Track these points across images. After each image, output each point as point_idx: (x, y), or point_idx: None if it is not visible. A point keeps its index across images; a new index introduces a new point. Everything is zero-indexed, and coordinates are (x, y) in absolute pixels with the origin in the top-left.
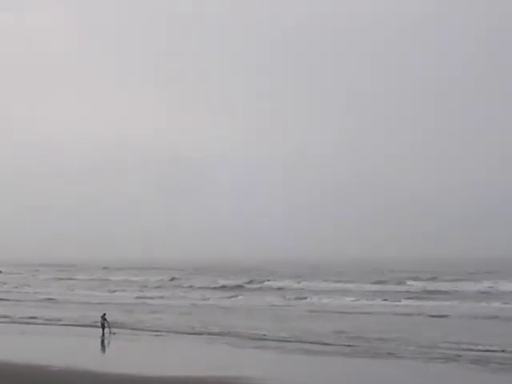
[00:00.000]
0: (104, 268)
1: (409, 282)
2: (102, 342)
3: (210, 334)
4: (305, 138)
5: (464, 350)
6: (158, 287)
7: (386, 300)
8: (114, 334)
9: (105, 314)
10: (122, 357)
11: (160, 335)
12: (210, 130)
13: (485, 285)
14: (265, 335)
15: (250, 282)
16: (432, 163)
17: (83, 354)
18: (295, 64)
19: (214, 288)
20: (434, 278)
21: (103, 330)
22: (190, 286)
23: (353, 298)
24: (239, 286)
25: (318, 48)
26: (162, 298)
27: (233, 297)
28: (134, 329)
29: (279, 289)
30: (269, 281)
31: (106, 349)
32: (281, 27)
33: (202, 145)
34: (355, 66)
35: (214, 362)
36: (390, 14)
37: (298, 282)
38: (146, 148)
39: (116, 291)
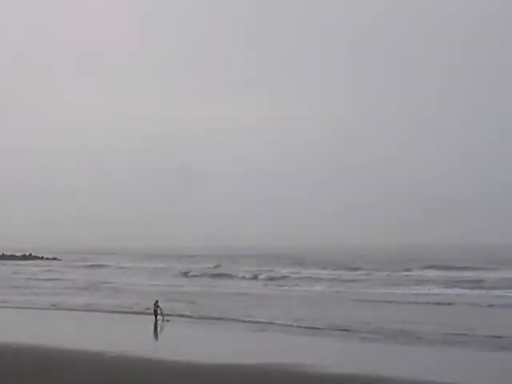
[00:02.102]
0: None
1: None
2: (155, 328)
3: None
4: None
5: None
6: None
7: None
8: (168, 321)
9: (157, 301)
10: (175, 344)
11: (214, 323)
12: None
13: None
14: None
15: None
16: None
17: (136, 340)
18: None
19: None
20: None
21: (156, 318)
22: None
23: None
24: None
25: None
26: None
27: (279, 286)
28: (188, 316)
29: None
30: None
31: (159, 336)
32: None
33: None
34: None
35: (265, 349)
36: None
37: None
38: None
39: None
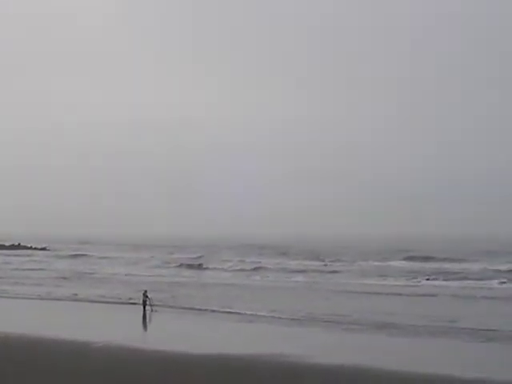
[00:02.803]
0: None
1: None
2: (144, 319)
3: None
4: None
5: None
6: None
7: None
8: (156, 311)
9: (146, 292)
10: (163, 334)
11: (202, 313)
12: None
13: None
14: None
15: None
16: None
17: (124, 331)
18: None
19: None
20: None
21: (144, 308)
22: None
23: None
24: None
25: None
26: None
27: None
28: (175, 307)
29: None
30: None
31: (148, 326)
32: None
33: None
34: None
35: (251, 340)
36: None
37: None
38: None
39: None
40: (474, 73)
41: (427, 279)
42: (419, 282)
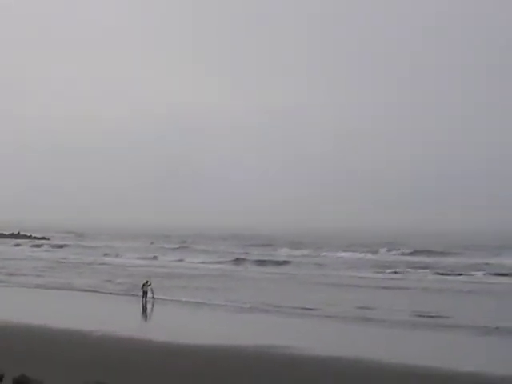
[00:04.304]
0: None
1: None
2: (144, 309)
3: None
4: None
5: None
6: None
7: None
8: (154, 299)
9: (147, 282)
10: (163, 324)
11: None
12: None
13: None
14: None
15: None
16: None
17: (123, 320)
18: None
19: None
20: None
21: (145, 298)
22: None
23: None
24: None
25: None
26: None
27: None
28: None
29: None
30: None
31: (148, 316)
32: None
33: None
34: None
35: (248, 332)
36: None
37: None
38: None
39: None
40: (474, 65)
41: (395, 272)
42: (403, 274)
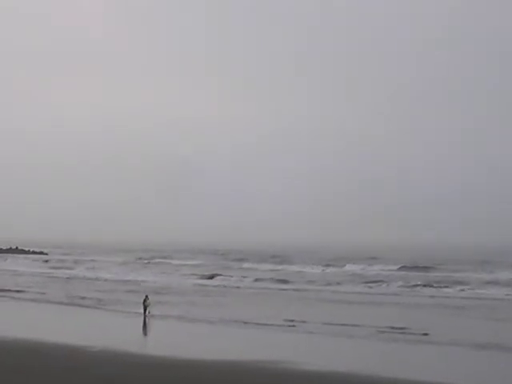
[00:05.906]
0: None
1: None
2: (144, 324)
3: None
4: None
5: None
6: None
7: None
8: (151, 315)
9: (147, 297)
10: (161, 340)
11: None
12: None
13: None
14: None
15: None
16: None
17: (123, 336)
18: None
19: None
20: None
21: (145, 313)
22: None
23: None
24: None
25: None
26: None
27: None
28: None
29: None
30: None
31: (147, 331)
32: None
33: None
34: None
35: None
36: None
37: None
38: None
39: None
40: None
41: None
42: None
